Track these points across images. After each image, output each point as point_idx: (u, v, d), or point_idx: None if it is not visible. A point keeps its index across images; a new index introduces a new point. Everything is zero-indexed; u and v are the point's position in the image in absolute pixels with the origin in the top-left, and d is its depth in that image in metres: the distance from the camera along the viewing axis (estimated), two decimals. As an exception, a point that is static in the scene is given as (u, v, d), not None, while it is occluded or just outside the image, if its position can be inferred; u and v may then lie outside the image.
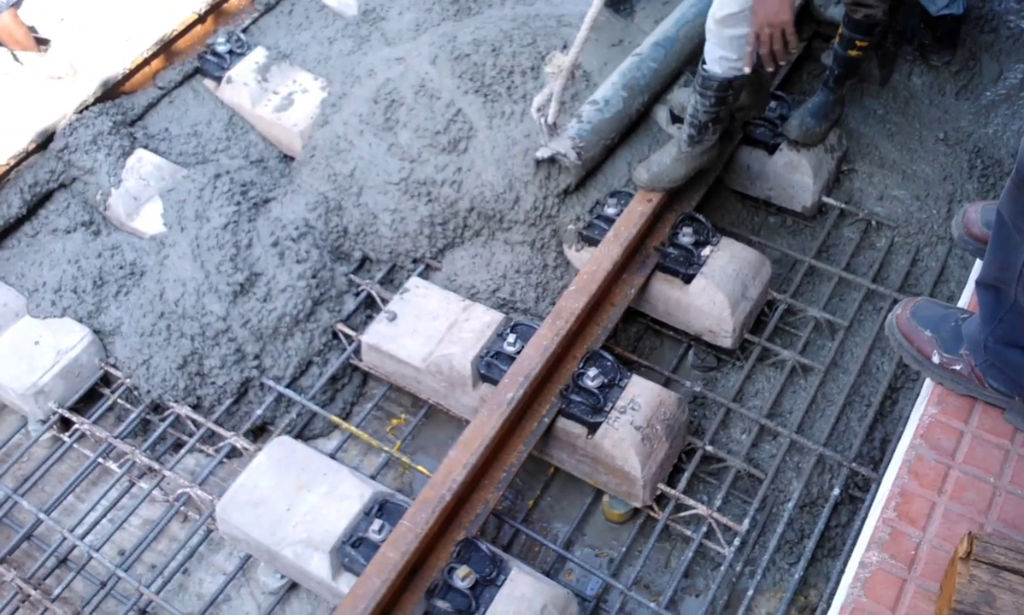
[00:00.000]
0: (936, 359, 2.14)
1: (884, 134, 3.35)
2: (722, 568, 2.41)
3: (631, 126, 3.07)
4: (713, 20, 2.57)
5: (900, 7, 3.30)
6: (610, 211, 2.92)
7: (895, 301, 2.92)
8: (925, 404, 2.16)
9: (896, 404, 2.75)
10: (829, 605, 2.20)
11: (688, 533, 2.51)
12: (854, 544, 2.36)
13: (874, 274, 3.02)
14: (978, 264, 2.36)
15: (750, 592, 2.37)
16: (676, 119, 3.12)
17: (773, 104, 3.18)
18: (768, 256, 2.96)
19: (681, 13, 3.26)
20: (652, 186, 2.86)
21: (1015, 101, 3.30)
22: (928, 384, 2.23)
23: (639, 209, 2.82)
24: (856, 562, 1.92)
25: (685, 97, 2.89)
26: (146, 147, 3.26)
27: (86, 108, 3.25)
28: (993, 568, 1.69)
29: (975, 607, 1.67)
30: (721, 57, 2.61)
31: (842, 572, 2.22)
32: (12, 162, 3.11)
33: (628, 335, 2.93)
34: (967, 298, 2.44)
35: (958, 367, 2.12)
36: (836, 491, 2.51)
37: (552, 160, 2.88)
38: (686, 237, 2.84)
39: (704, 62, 2.67)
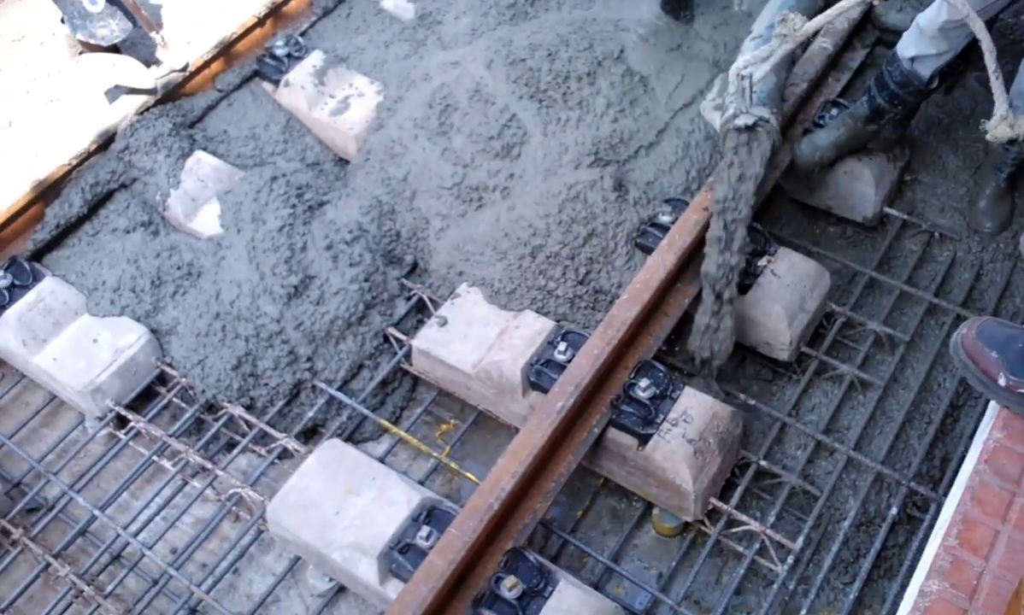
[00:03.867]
0: (1002, 382, 2.08)
1: (948, 144, 3.26)
2: (775, 586, 2.36)
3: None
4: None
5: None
6: (664, 219, 2.88)
7: (958, 316, 2.84)
8: (990, 428, 2.10)
9: (957, 422, 2.67)
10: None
11: (740, 549, 2.46)
12: (912, 565, 2.30)
13: (936, 288, 2.94)
14: (1047, 284, 2.29)
15: (803, 611, 2.32)
16: None
17: (835, 111, 3.12)
18: (827, 267, 2.90)
19: None
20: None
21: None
22: (993, 407, 2.17)
23: (694, 217, 2.78)
24: (915, 590, 1.87)
25: None
26: (205, 149, 3.30)
27: (147, 109, 3.30)
28: (1059, 602, 1.62)
29: (1039, 641, 1.60)
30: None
31: (899, 594, 2.16)
32: (74, 162, 3.16)
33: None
34: (1035, 318, 2.37)
35: None
36: (894, 510, 2.45)
37: (752, 127, 2.65)
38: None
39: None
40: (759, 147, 2.63)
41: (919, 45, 2.71)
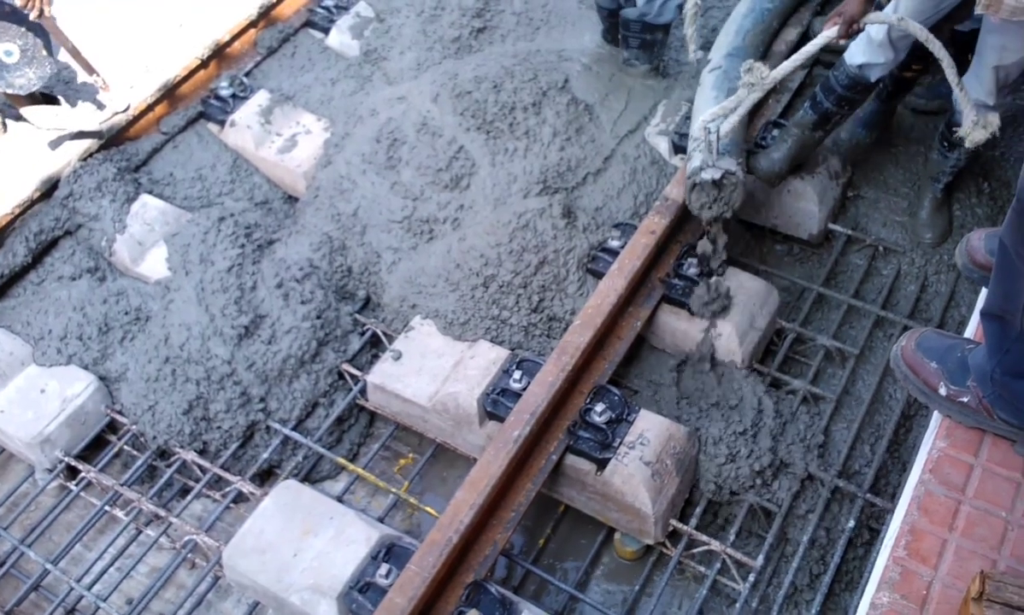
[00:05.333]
0: (943, 391, 2.10)
1: (888, 159, 3.33)
2: (737, 605, 2.37)
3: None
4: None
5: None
6: (614, 244, 2.91)
7: (905, 328, 2.88)
8: (933, 438, 2.12)
9: (910, 432, 2.71)
10: (846, 641, 2.15)
11: (702, 570, 2.46)
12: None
13: (883, 301, 2.99)
14: (984, 293, 2.33)
15: (766, 629, 2.33)
16: (679, 150, 3.13)
17: (775, 132, 3.17)
18: (775, 285, 2.94)
19: (740, 22, 3.30)
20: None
21: (1020, 122, 3.28)
22: (936, 417, 2.19)
23: (643, 241, 2.80)
24: (867, 603, 1.87)
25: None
26: (151, 192, 3.27)
27: (91, 155, 3.26)
28: (1007, 608, 1.63)
29: (990, 648, 1.61)
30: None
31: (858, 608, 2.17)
32: (17, 211, 3.12)
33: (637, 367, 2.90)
34: (972, 328, 2.41)
35: (965, 399, 2.08)
36: (851, 524, 2.47)
37: (719, 180, 2.67)
38: (691, 268, 2.82)
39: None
40: (726, 199, 2.67)
41: (868, 53, 2.78)
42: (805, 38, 3.50)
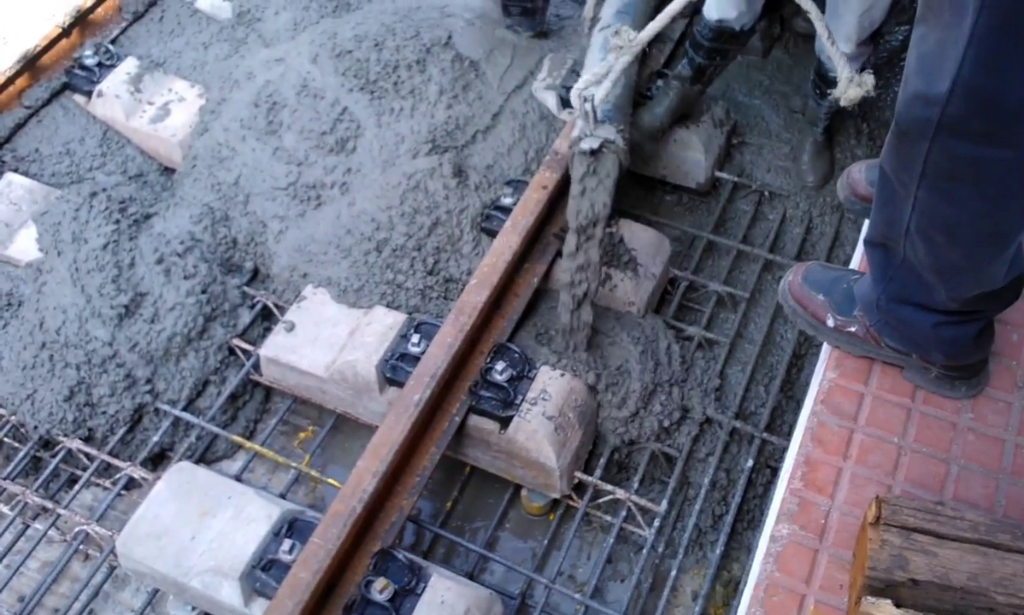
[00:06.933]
0: (831, 322, 2.15)
1: (770, 105, 3.39)
2: (644, 551, 2.40)
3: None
4: None
5: None
6: (507, 201, 2.88)
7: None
8: (824, 369, 2.17)
9: (802, 371, 2.78)
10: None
11: (608, 519, 2.49)
12: (770, 514, 2.38)
13: (771, 244, 3.06)
14: (867, 224, 2.39)
15: (674, 572, 2.36)
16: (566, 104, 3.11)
17: (659, 82, 3.18)
18: (667, 234, 2.97)
19: None
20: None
21: (896, 63, 3.37)
22: (826, 349, 2.24)
23: (535, 196, 2.78)
24: (767, 536, 1.91)
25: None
26: (15, 170, 3.09)
27: (-55, 134, 3.06)
28: (904, 531, 1.68)
29: (889, 572, 1.66)
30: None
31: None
32: None
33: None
34: (857, 259, 2.47)
35: (853, 329, 2.13)
36: (750, 463, 2.53)
37: (598, 149, 2.52)
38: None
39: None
40: (606, 168, 2.53)
41: (720, 8, 2.79)
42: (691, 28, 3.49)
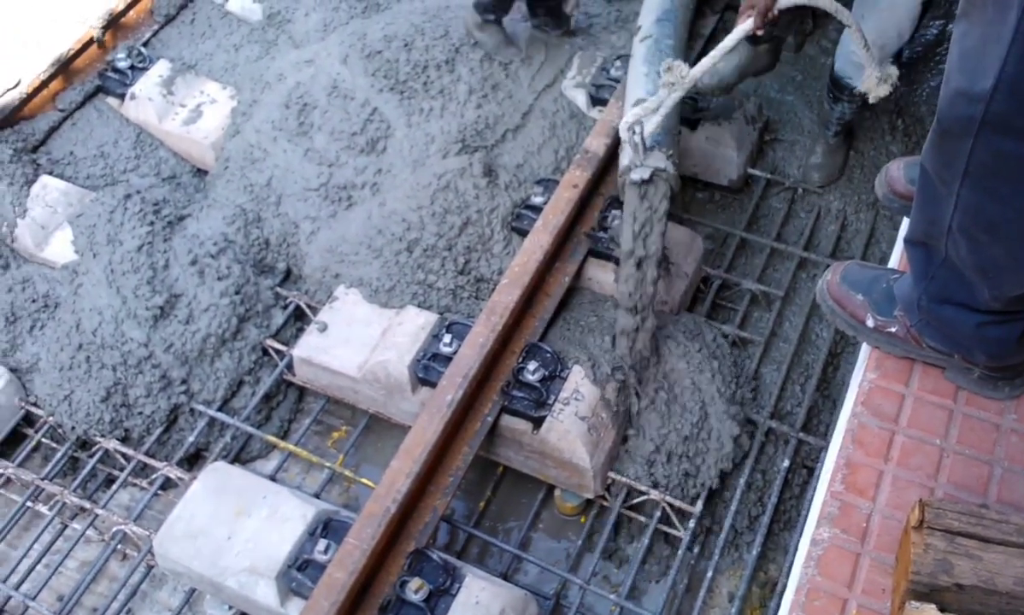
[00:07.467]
0: (870, 323, 2.12)
1: (803, 101, 3.36)
2: (679, 551, 2.38)
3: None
4: None
5: None
6: (537, 200, 2.87)
7: (828, 267, 2.91)
8: (863, 370, 2.14)
9: (838, 370, 2.75)
10: (789, 578, 2.18)
11: (642, 519, 2.47)
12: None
13: (805, 242, 3.03)
14: (906, 222, 2.36)
15: (710, 573, 2.35)
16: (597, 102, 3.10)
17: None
18: (699, 232, 2.95)
19: None
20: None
21: (931, 58, 3.33)
22: (865, 349, 2.21)
23: (566, 195, 2.77)
24: (808, 540, 1.89)
25: None
26: (51, 173, 3.11)
27: (-18, 138, 3.09)
28: (948, 535, 1.65)
29: (933, 577, 1.62)
30: None
31: (800, 544, 2.20)
32: (-94, 201, 2.94)
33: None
34: (896, 258, 2.44)
35: (893, 329, 2.10)
36: (786, 463, 2.50)
37: (649, 179, 2.49)
38: (616, 220, 2.80)
39: None
40: (658, 196, 2.50)
41: None
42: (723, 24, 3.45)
